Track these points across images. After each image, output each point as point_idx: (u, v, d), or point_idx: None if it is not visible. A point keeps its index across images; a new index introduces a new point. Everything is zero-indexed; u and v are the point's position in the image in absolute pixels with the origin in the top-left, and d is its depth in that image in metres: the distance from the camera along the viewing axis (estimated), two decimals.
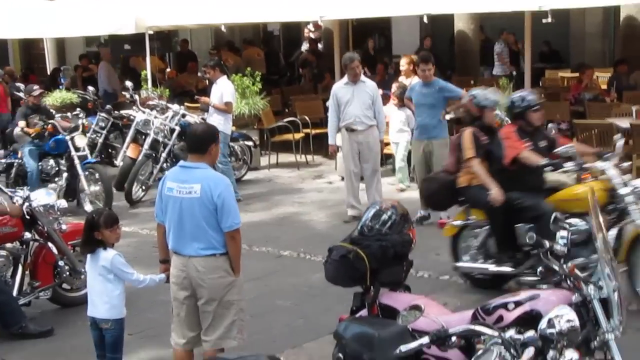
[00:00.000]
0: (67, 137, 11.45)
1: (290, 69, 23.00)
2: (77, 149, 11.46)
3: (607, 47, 20.57)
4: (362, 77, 10.56)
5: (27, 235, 7.64)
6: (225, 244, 5.57)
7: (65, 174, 11.59)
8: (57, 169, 11.74)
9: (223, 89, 11.95)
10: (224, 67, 13.01)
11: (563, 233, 4.76)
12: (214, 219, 5.50)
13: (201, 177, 5.56)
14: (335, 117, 10.57)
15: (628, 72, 15.05)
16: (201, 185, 5.50)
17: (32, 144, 11.80)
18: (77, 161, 11.37)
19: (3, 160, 12.16)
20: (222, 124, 11.78)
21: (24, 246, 7.69)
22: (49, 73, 20.32)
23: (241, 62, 19.08)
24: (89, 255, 5.96)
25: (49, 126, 11.76)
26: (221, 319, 5.63)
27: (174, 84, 18.14)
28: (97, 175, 11.48)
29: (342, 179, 11.76)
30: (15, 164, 12.02)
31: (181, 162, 5.88)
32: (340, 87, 10.62)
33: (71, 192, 11.55)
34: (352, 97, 10.38)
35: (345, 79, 10.58)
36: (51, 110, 13.52)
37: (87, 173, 11.41)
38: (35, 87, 12.80)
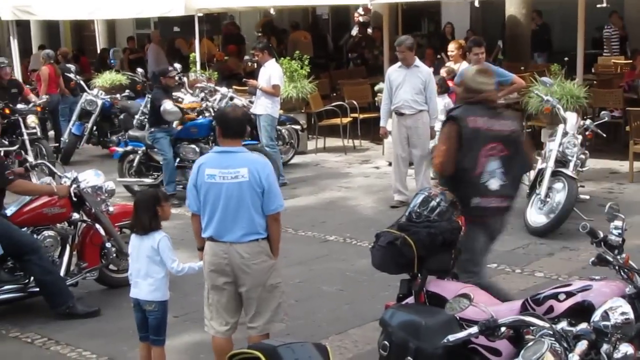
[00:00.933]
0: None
1: (339, 53, 22.90)
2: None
3: None
4: (417, 62, 10.50)
5: (75, 216, 7.68)
6: (266, 228, 5.54)
7: None
8: (200, 154, 10.88)
9: (271, 72, 11.91)
10: (272, 50, 12.97)
11: (617, 223, 4.64)
12: (260, 202, 5.47)
13: (246, 160, 5.51)
14: (388, 100, 10.57)
15: None
16: (248, 168, 5.45)
17: (162, 131, 11.18)
18: None
19: (120, 150, 11.73)
20: (270, 107, 11.79)
21: (72, 227, 7.75)
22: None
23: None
24: (134, 236, 5.96)
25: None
26: (267, 303, 5.60)
27: (222, 66, 18.17)
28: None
29: (390, 164, 11.67)
30: (139, 153, 11.47)
31: (217, 148, 5.75)
32: (394, 70, 10.60)
33: None
34: (403, 80, 10.36)
35: (399, 62, 10.53)
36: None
37: None
38: (170, 68, 12.26)
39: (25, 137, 12.33)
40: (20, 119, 12.49)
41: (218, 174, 5.49)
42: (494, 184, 5.95)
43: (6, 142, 12.10)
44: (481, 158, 5.92)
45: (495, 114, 6.10)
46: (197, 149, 11.25)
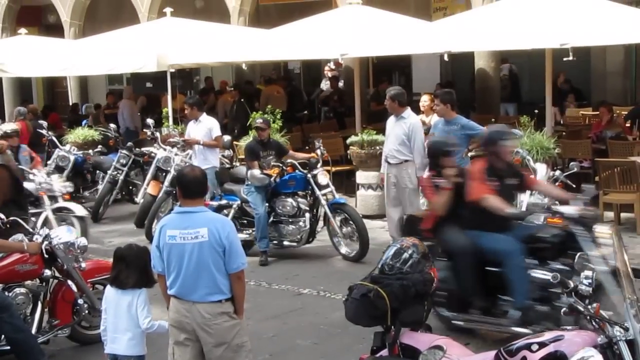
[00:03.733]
0: (309, 175, 10.70)
1: (310, 107, 23.07)
2: (320, 187, 10.67)
3: (628, 86, 20.49)
4: (405, 113, 10.64)
5: (47, 272, 7.61)
6: (230, 288, 5.52)
7: (307, 214, 10.76)
8: (297, 208, 10.81)
9: (211, 125, 12.17)
10: (202, 105, 13.01)
11: (588, 273, 4.70)
12: (221, 261, 5.45)
13: (206, 220, 5.51)
14: (385, 148, 10.86)
15: None
16: (208, 228, 5.44)
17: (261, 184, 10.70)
18: (324, 202, 10.61)
19: (215, 204, 10.92)
20: (213, 160, 12.11)
21: (44, 284, 7.67)
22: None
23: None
24: (112, 290, 5.92)
25: (289, 167, 10.94)
26: None
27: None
28: (345, 214, 10.61)
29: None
30: (234, 207, 11.02)
31: (177, 208, 5.75)
32: (389, 120, 10.88)
33: (312, 233, 10.87)
34: (391, 130, 10.69)
35: None
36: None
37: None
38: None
39: None
40: None
41: (178, 235, 5.48)
42: None
43: None
44: None
45: None
46: (294, 203, 10.82)
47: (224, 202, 11.14)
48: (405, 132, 10.50)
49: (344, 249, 10.73)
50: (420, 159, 10.48)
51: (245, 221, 11.14)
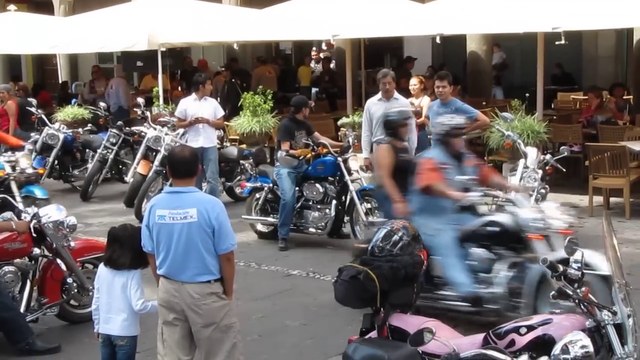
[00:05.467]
0: (340, 159, 10.33)
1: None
2: (350, 173, 10.31)
3: (619, 70, 20.54)
4: (395, 94, 10.57)
5: (36, 251, 7.59)
6: (220, 269, 5.51)
7: (334, 202, 10.37)
8: (324, 194, 10.45)
9: (215, 105, 12.08)
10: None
11: (577, 257, 4.71)
12: (210, 242, 5.44)
13: (195, 200, 5.49)
14: (368, 132, 10.59)
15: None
16: (197, 209, 5.42)
17: (290, 167, 10.43)
18: (352, 187, 10.22)
19: (249, 185, 10.99)
20: (214, 139, 12.01)
21: (33, 262, 7.65)
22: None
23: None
24: (106, 270, 5.92)
25: (320, 147, 10.60)
26: (221, 343, 5.56)
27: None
28: (373, 203, 10.08)
29: None
30: (266, 189, 10.79)
31: (168, 188, 5.72)
32: (373, 103, 10.65)
33: (339, 222, 10.49)
34: (384, 113, 10.40)
35: (379, 94, 10.63)
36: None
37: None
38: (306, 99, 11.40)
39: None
40: None
41: (168, 215, 5.46)
42: None
43: None
44: None
45: None
46: (322, 189, 10.43)
47: (258, 184, 10.90)
48: None
49: (360, 237, 10.01)
50: (414, 139, 10.46)
51: (276, 205, 10.72)
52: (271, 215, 10.83)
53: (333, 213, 10.35)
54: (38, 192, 10.44)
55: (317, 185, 10.47)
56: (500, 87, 19.82)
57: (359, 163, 10.55)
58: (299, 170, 10.50)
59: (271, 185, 10.75)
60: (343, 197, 10.43)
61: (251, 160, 13.28)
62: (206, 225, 5.41)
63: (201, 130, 11.84)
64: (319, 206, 10.49)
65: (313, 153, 10.66)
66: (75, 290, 7.73)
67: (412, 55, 20.07)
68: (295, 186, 10.42)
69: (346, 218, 10.50)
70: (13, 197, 9.50)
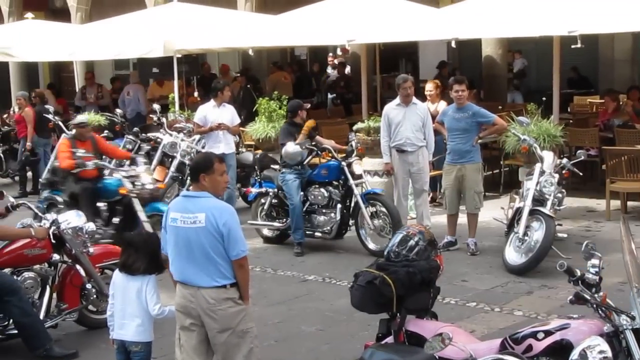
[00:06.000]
0: (344, 164, 10.36)
1: (318, 93, 23.05)
2: (354, 177, 10.30)
3: (636, 73, 20.44)
4: (414, 100, 10.63)
5: (56, 257, 7.64)
6: (235, 274, 5.52)
7: (339, 206, 10.40)
8: (328, 199, 10.49)
9: (233, 111, 12.14)
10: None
11: (594, 261, 4.69)
12: (221, 247, 5.43)
13: (205, 206, 5.49)
14: (387, 137, 10.65)
15: None
16: (205, 214, 5.43)
17: (293, 173, 10.48)
18: (356, 190, 10.20)
19: (254, 191, 10.99)
20: (234, 145, 12.14)
21: (52, 268, 7.70)
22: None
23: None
24: (121, 276, 5.94)
25: (325, 153, 10.72)
26: (237, 348, 5.55)
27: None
28: (378, 207, 10.14)
29: None
30: (271, 194, 10.85)
31: (184, 192, 5.80)
32: (392, 109, 10.70)
33: (344, 226, 10.48)
34: (403, 118, 10.48)
35: (398, 100, 10.66)
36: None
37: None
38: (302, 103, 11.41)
39: None
40: None
41: (180, 218, 5.50)
42: None
43: None
44: None
45: None
46: (326, 193, 10.51)
47: (263, 189, 10.97)
48: (421, 118, 10.52)
49: (371, 245, 10.19)
50: (432, 143, 10.63)
51: (282, 209, 10.85)
52: (277, 220, 10.95)
53: (338, 217, 10.41)
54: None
55: (322, 189, 10.56)
56: (520, 93, 19.81)
57: (362, 167, 10.70)
58: (304, 175, 10.61)
59: (276, 190, 10.83)
60: (348, 201, 10.48)
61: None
62: (214, 231, 5.41)
63: (221, 136, 11.89)
64: (324, 210, 10.57)
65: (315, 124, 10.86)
66: (94, 296, 7.77)
67: (427, 60, 20.05)
68: (300, 191, 10.51)
69: (351, 222, 10.54)
70: (132, 215, 9.66)
